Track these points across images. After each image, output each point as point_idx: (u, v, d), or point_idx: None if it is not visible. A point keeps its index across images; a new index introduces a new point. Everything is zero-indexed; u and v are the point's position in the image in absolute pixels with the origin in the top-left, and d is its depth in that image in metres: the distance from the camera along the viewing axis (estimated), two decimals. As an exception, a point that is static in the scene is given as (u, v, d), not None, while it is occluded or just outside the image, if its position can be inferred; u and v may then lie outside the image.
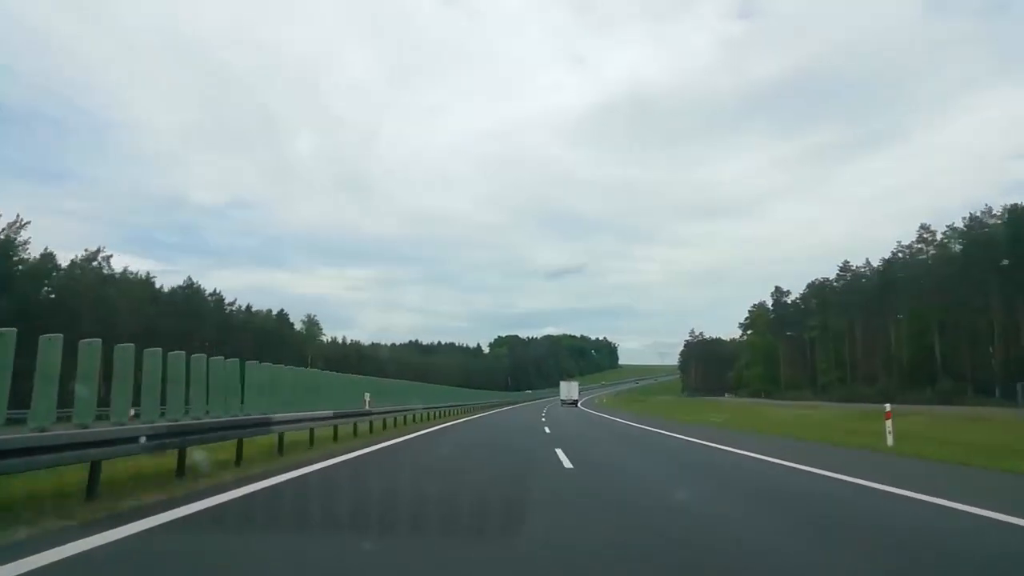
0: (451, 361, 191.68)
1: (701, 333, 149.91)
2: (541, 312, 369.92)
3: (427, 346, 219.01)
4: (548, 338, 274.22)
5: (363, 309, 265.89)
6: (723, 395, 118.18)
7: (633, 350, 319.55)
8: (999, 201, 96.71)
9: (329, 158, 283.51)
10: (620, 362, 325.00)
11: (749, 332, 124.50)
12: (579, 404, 71.06)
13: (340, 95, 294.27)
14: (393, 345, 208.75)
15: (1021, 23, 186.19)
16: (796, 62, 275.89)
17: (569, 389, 78.44)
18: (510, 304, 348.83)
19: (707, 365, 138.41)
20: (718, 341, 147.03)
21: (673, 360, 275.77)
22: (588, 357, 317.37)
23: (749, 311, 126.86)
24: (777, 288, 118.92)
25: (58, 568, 4.00)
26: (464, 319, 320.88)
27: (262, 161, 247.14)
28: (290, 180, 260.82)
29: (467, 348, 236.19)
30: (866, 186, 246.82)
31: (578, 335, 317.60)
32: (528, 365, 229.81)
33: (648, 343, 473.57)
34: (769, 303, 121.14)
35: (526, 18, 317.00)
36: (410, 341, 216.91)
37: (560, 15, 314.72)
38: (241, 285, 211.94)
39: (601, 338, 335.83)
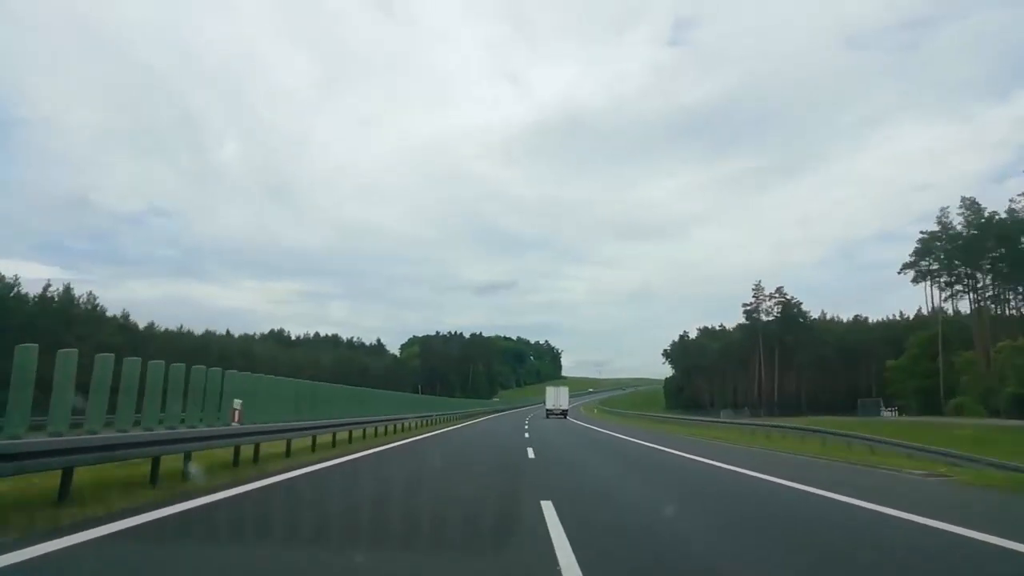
0: (329, 358, 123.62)
1: (780, 289, 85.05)
2: (470, 328, 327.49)
3: (297, 340, 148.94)
4: (477, 338, 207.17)
5: (286, 323, 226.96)
6: (880, 412, 54.35)
7: (564, 366, 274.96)
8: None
9: (254, 166, 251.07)
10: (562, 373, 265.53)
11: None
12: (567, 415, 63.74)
13: (268, 101, 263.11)
14: (247, 335, 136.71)
15: (931, 61, 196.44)
16: (723, 90, 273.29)
17: (557, 396, 67.54)
18: (438, 320, 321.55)
19: (776, 358, 72.92)
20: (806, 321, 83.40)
21: (614, 375, 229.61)
22: (527, 363, 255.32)
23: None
24: None
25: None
26: (391, 334, 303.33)
27: (182, 166, 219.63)
28: (212, 188, 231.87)
29: (364, 345, 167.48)
30: (785, 211, 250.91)
31: (515, 337, 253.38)
32: (449, 370, 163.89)
33: (579, 360, 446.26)
34: None
35: (462, 34, 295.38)
36: (271, 330, 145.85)
37: (497, 32, 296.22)
38: (157, 296, 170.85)
39: (543, 342, 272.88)
